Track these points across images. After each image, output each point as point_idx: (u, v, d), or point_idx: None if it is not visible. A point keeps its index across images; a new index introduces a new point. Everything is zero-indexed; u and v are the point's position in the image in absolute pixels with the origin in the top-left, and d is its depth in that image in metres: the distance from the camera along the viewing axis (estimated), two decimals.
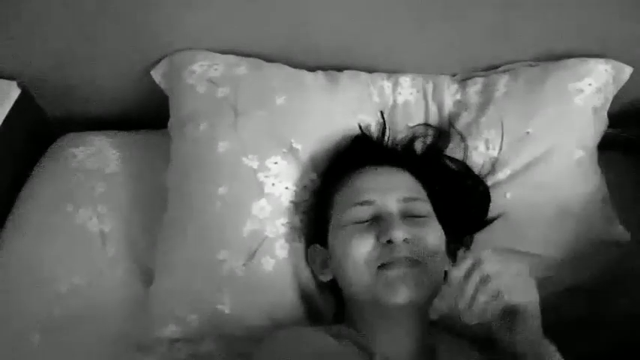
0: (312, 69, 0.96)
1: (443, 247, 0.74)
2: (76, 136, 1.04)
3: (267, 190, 0.81)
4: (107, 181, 0.97)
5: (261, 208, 0.80)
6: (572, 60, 0.90)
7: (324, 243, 0.77)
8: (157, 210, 0.88)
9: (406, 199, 0.74)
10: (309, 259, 0.80)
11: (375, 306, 0.70)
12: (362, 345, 0.67)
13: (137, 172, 0.98)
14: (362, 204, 0.73)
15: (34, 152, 1.06)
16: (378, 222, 0.72)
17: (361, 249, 0.70)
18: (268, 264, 0.79)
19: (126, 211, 0.94)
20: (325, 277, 0.77)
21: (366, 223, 0.72)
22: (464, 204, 0.82)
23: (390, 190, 0.74)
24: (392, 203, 0.73)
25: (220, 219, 0.80)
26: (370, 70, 0.97)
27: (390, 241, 0.69)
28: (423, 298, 0.68)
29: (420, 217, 0.74)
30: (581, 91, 0.87)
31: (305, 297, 0.81)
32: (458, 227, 0.80)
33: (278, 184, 0.81)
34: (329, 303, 0.82)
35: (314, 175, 0.83)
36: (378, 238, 0.70)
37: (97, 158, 0.99)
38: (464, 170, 0.85)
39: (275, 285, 0.79)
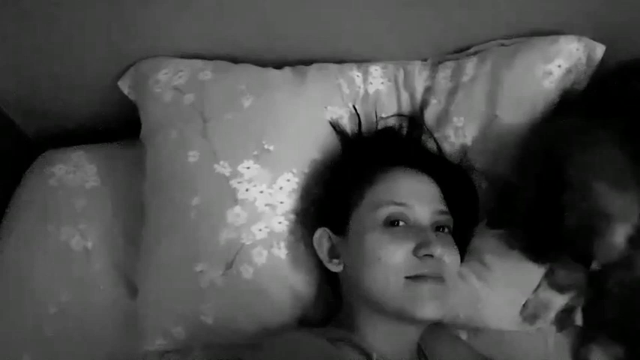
0: (281, 65, 0.94)
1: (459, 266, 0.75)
2: (53, 154, 1.03)
3: (240, 196, 0.80)
4: (87, 197, 0.96)
5: (235, 215, 0.79)
6: (542, 39, 0.87)
7: (337, 230, 0.75)
8: (139, 222, 0.88)
9: (439, 212, 0.74)
10: (315, 243, 0.76)
11: (385, 311, 0.69)
12: (359, 346, 0.67)
13: (116, 184, 0.97)
14: (400, 204, 0.72)
15: (16, 173, 1.05)
16: (414, 231, 0.70)
17: (397, 257, 0.69)
18: (247, 272, 0.78)
19: (108, 225, 0.94)
20: (335, 268, 0.74)
21: (401, 228, 0.71)
22: (471, 217, 0.81)
23: (427, 200, 0.74)
24: (427, 214, 0.73)
25: (196, 230, 0.80)
26: (342, 61, 0.95)
27: (428, 255, 0.69)
28: (443, 316, 0.70)
29: (446, 232, 0.74)
30: (550, 73, 0.84)
31: (291, 301, 0.80)
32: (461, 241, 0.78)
33: (252, 188, 0.80)
34: (318, 305, 0.82)
35: (289, 175, 0.82)
36: (416, 248, 0.69)
37: (75, 174, 0.98)
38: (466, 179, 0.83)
39: (256, 292, 0.78)
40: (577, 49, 0.85)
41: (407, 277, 0.68)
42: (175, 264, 0.80)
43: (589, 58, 0.86)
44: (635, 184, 0.65)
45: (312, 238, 0.78)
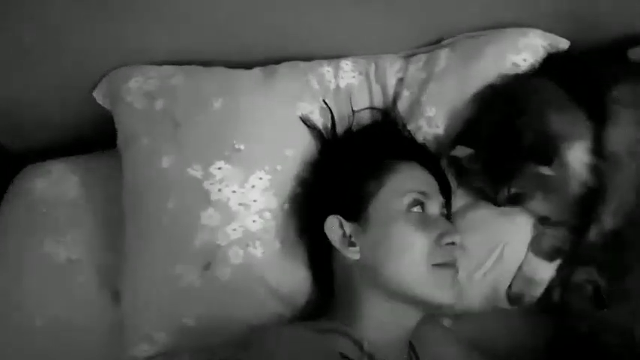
0: (253, 66, 0.94)
1: None
2: (35, 168, 1.04)
3: (213, 197, 0.80)
4: (69, 208, 0.97)
5: (209, 217, 0.80)
6: (511, 31, 0.89)
7: (351, 217, 0.74)
8: (121, 230, 0.88)
9: (442, 204, 0.77)
10: (327, 230, 0.74)
11: (402, 298, 0.71)
12: (351, 336, 0.67)
13: (98, 194, 0.98)
14: (422, 193, 0.74)
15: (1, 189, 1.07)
16: (432, 220, 0.73)
17: (425, 245, 0.71)
18: (224, 272, 0.79)
19: (91, 235, 0.95)
20: (353, 255, 0.73)
21: (421, 216, 0.73)
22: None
23: (436, 192, 0.77)
24: (437, 205, 0.76)
25: (172, 234, 0.80)
26: (313, 59, 0.95)
27: (451, 243, 0.72)
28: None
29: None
30: (517, 65, 0.85)
31: (270, 299, 0.81)
32: None
33: (224, 189, 0.81)
34: (301, 301, 0.82)
35: (261, 173, 0.82)
36: (439, 237, 0.71)
37: (57, 187, 0.99)
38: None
39: (234, 292, 0.79)
40: (542, 46, 0.87)
41: (433, 265, 0.71)
42: (154, 268, 0.81)
43: (552, 52, 0.88)
44: (574, 109, 0.76)
45: (296, 232, 0.79)
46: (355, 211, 0.74)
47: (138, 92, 0.89)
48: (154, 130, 0.86)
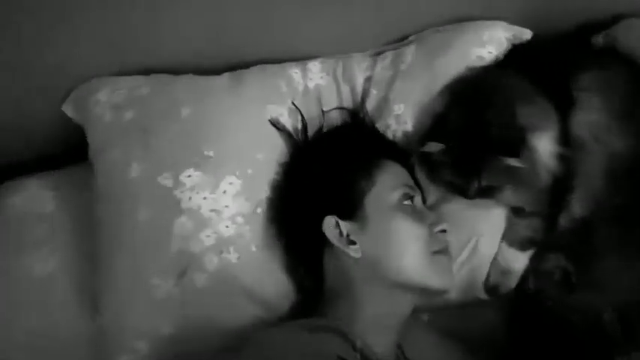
0: (221, 72, 0.94)
1: None
2: (10, 185, 1.03)
3: (184, 205, 0.80)
4: (46, 223, 0.96)
5: (182, 225, 0.80)
6: (475, 24, 0.90)
7: (347, 216, 0.75)
8: (97, 244, 0.88)
9: (421, 198, 0.81)
10: (328, 232, 0.75)
11: (406, 288, 0.73)
12: (344, 334, 0.68)
13: (73, 208, 0.97)
14: (409, 187, 0.78)
15: None
16: (420, 210, 0.77)
17: (423, 234, 0.74)
18: (200, 280, 0.79)
19: (68, 249, 0.94)
20: (355, 253, 0.74)
21: (412, 207, 0.76)
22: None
23: (415, 187, 0.80)
24: (420, 197, 0.80)
25: (146, 244, 0.80)
26: (282, 61, 0.95)
27: (442, 231, 0.76)
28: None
29: None
30: (483, 58, 0.86)
31: (248, 304, 0.81)
32: None
33: (195, 196, 0.81)
34: (281, 303, 0.82)
35: (232, 178, 0.82)
36: (431, 225, 0.75)
37: (33, 203, 0.98)
38: None
39: (211, 299, 0.79)
40: (506, 38, 0.88)
41: (432, 253, 0.74)
42: (130, 279, 0.81)
43: (516, 43, 0.89)
44: (540, 101, 0.77)
45: (277, 235, 0.79)
46: (350, 210, 0.75)
47: (107, 104, 0.89)
48: (123, 140, 0.85)
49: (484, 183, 0.75)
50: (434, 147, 0.77)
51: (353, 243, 0.74)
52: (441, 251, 0.75)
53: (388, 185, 0.76)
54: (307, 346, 0.64)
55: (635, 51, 0.87)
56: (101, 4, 0.87)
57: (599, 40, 0.93)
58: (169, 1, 0.88)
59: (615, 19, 0.94)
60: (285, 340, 0.65)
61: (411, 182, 0.80)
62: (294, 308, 0.83)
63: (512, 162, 0.73)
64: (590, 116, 0.77)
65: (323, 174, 0.78)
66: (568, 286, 0.79)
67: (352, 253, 0.74)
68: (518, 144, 0.74)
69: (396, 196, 0.75)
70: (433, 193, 0.84)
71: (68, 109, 0.95)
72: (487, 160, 0.74)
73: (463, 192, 0.77)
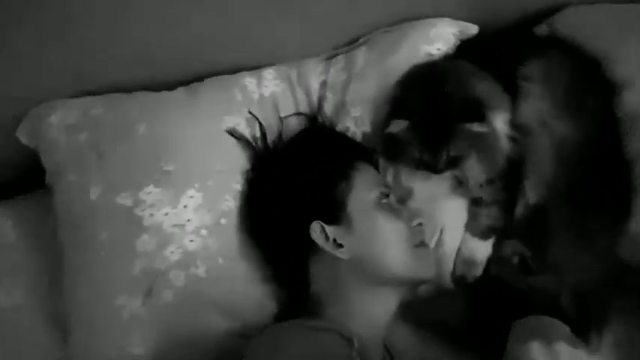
0: (175, 86, 0.94)
1: None
2: None
3: (146, 223, 0.80)
4: (7, 254, 0.95)
5: (144, 243, 0.79)
6: (422, 22, 0.92)
7: (331, 220, 0.76)
8: (61, 269, 0.86)
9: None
10: (317, 238, 0.75)
11: (394, 282, 0.75)
12: (341, 333, 0.68)
13: (34, 236, 0.96)
14: (384, 185, 0.80)
15: None
16: (398, 207, 0.79)
17: (405, 229, 0.76)
18: (167, 297, 0.78)
19: (32, 277, 0.92)
20: (344, 255, 0.75)
21: (390, 205, 0.78)
22: None
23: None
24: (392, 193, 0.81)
25: (109, 265, 0.80)
26: (238, 71, 0.96)
27: (419, 224, 0.78)
28: None
29: None
30: (432, 55, 0.88)
31: (219, 317, 0.80)
32: None
33: (156, 213, 0.80)
34: (254, 312, 0.82)
35: (192, 192, 0.82)
36: (409, 220, 0.78)
37: None
38: None
39: (180, 315, 0.79)
40: (453, 33, 0.91)
41: (414, 246, 0.76)
42: (95, 302, 0.80)
43: (463, 38, 0.92)
44: (494, 83, 0.80)
45: (249, 246, 0.80)
46: (333, 214, 0.76)
47: (60, 127, 0.87)
48: (79, 163, 0.84)
49: (452, 153, 0.77)
50: (399, 125, 0.78)
51: (340, 246, 0.75)
52: (421, 244, 0.78)
53: (366, 185, 0.78)
54: (312, 338, 0.65)
55: (576, 37, 0.90)
56: (45, 29, 0.86)
57: (542, 29, 0.96)
58: (117, 18, 0.87)
59: (556, 8, 0.97)
60: (292, 336, 0.65)
61: (382, 180, 0.82)
62: (276, 318, 0.82)
63: (477, 127, 0.76)
64: (536, 104, 0.80)
65: (301, 181, 0.79)
66: (526, 270, 0.82)
67: (341, 256, 0.75)
68: (480, 109, 0.76)
69: (374, 195, 0.77)
70: (397, 189, 0.85)
71: (22, 136, 0.93)
72: (453, 128, 0.76)
73: (432, 167, 0.78)
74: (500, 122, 0.78)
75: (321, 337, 0.65)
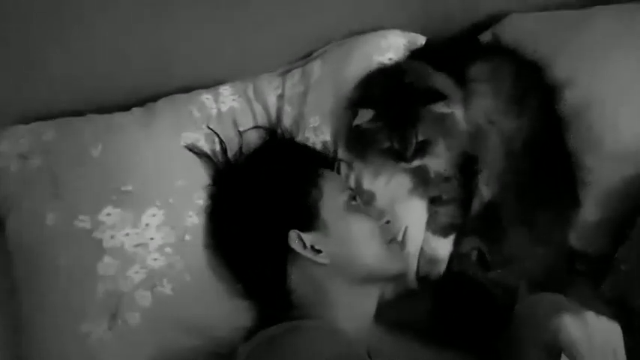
0: (130, 107, 0.92)
1: None
2: None
3: (106, 245, 0.78)
4: None
5: (106, 265, 0.77)
6: (374, 34, 0.95)
7: (306, 227, 0.77)
8: (19, 306, 0.82)
9: None
10: (296, 246, 0.76)
11: (373, 280, 0.78)
12: (330, 327, 0.70)
13: None
14: (350, 188, 0.83)
15: None
16: (366, 207, 0.82)
17: (376, 229, 0.79)
18: (134, 318, 0.76)
19: None
20: (324, 260, 0.76)
21: (359, 205, 0.81)
22: None
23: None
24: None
25: (70, 292, 0.77)
26: (193, 89, 0.95)
27: (387, 222, 0.81)
28: None
29: None
30: (383, 64, 0.91)
31: (188, 336, 0.79)
32: None
33: (117, 234, 0.79)
34: (223, 327, 0.81)
35: (154, 210, 0.81)
36: (378, 218, 0.81)
37: None
38: None
39: (146, 336, 0.77)
40: (403, 44, 0.94)
41: (387, 243, 0.79)
42: (57, 333, 0.77)
43: (412, 49, 0.95)
44: (447, 78, 0.83)
45: (219, 262, 0.80)
46: (308, 221, 0.77)
47: (10, 155, 0.85)
48: (32, 190, 0.82)
49: (420, 137, 0.79)
50: (365, 115, 0.79)
51: (319, 252, 0.76)
52: (392, 240, 0.81)
53: (335, 190, 0.80)
54: (310, 341, 0.65)
55: (518, 43, 0.95)
56: None
57: (486, 36, 1.01)
58: (65, 37, 0.86)
59: (497, 17, 1.02)
60: (287, 337, 0.65)
61: (347, 185, 0.84)
62: (249, 332, 0.80)
63: (442, 107, 0.78)
64: (483, 102, 0.84)
65: (272, 192, 0.79)
66: (484, 265, 0.85)
67: (321, 260, 0.76)
68: (441, 92, 0.79)
69: (344, 198, 0.79)
70: (359, 194, 0.86)
71: None
72: (418, 111, 0.78)
73: (402, 155, 0.80)
74: (459, 112, 0.81)
75: (314, 332, 0.66)
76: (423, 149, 0.80)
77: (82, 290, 0.77)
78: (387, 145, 0.80)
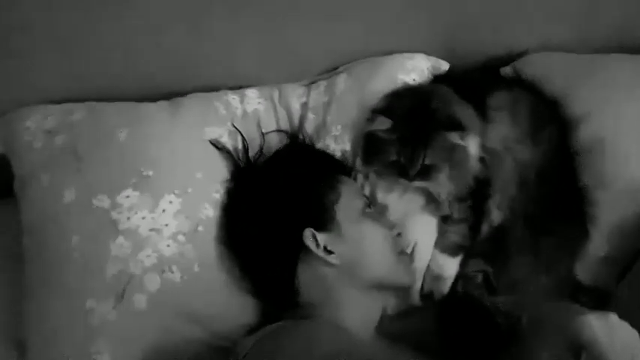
0: (156, 100, 0.95)
1: None
2: None
3: (122, 226, 0.79)
4: None
5: (119, 246, 0.78)
6: (401, 55, 0.99)
7: (322, 227, 0.78)
8: (18, 281, 0.83)
9: None
10: (310, 244, 0.77)
11: (381, 287, 0.78)
12: (335, 325, 0.71)
13: None
14: (365, 196, 0.84)
15: None
16: (380, 217, 0.84)
17: (387, 235, 0.80)
18: (140, 301, 0.77)
19: None
20: (335, 261, 0.77)
21: (374, 213, 0.82)
22: None
23: None
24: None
25: (80, 269, 0.77)
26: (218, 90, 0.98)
27: (399, 234, 0.83)
28: None
29: None
30: (408, 84, 0.94)
31: (192, 326, 0.79)
32: None
33: (133, 216, 0.80)
34: (227, 323, 0.81)
35: (172, 197, 0.82)
36: (390, 229, 0.82)
37: None
38: None
39: (151, 321, 0.77)
40: (427, 68, 0.98)
41: (398, 253, 0.80)
42: (62, 308, 0.77)
43: (435, 73, 0.98)
44: (469, 107, 0.85)
45: (229, 256, 0.81)
46: (324, 222, 0.78)
47: (37, 131, 0.86)
48: (54, 165, 0.83)
49: (427, 161, 0.80)
50: (382, 123, 0.81)
51: (331, 252, 0.77)
52: (401, 252, 0.82)
53: (352, 195, 0.82)
54: (315, 336, 0.65)
55: (537, 79, 0.98)
56: (25, 38, 0.87)
57: (507, 70, 1.04)
58: (100, 31, 0.89)
59: (520, 54, 1.06)
60: (292, 333, 0.66)
61: (362, 194, 0.86)
62: (251, 331, 0.79)
63: (455, 137, 0.80)
64: (501, 129, 0.86)
65: (290, 191, 0.80)
66: (489, 289, 0.86)
67: (333, 261, 0.77)
68: (460, 124, 0.81)
69: (360, 204, 0.81)
70: (373, 205, 0.87)
71: None
72: (433, 135, 0.80)
73: (405, 171, 0.81)
74: (473, 145, 0.83)
75: (317, 328, 0.67)
76: (427, 172, 0.81)
77: (92, 268, 0.77)
78: (394, 158, 0.82)
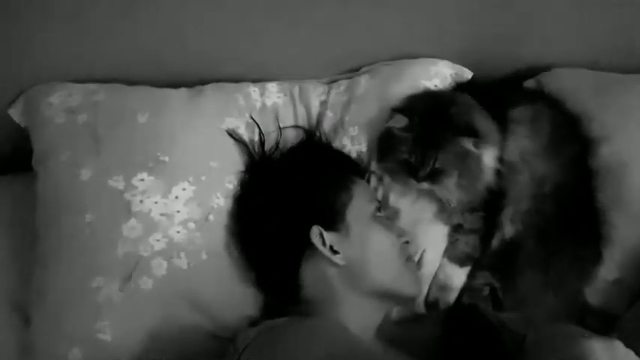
0: (177, 87, 0.95)
1: None
2: None
3: (134, 208, 0.80)
4: None
5: (131, 228, 0.79)
6: (424, 60, 0.98)
7: (330, 227, 0.77)
8: (29, 253, 0.84)
9: None
10: (316, 242, 0.77)
11: (384, 294, 0.77)
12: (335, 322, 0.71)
13: (6, 218, 0.93)
14: (378, 200, 0.84)
15: None
16: (390, 222, 0.83)
17: (395, 241, 0.80)
18: (146, 284, 0.77)
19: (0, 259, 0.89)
20: (340, 261, 0.77)
21: (384, 219, 0.82)
22: None
23: None
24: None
25: (90, 246, 0.78)
26: (239, 82, 0.98)
27: (407, 242, 0.82)
28: None
29: None
30: (430, 89, 0.93)
31: (194, 314, 0.80)
32: None
33: (146, 200, 0.80)
34: (231, 314, 0.81)
35: (185, 184, 0.82)
36: (398, 236, 0.81)
37: None
38: None
39: (155, 305, 0.77)
40: (450, 74, 0.97)
41: (405, 261, 0.79)
42: (69, 283, 0.78)
43: (458, 82, 0.97)
44: (489, 120, 0.84)
45: (237, 247, 0.81)
46: (333, 221, 0.78)
47: (59, 107, 0.87)
48: (73, 143, 0.84)
49: (438, 164, 0.80)
50: (399, 121, 0.81)
51: (336, 252, 0.77)
52: (408, 259, 0.81)
53: (364, 198, 0.81)
54: (314, 331, 0.66)
55: (560, 95, 0.97)
56: (58, 13, 0.87)
57: (530, 83, 1.03)
58: (128, 15, 0.89)
59: (544, 69, 1.05)
60: (291, 328, 0.66)
61: (375, 197, 0.85)
62: (253, 324, 0.80)
63: (468, 144, 0.79)
64: (521, 142, 0.85)
65: (303, 188, 0.80)
66: (496, 303, 0.85)
67: (337, 261, 0.77)
68: (477, 130, 0.80)
69: (372, 207, 0.81)
70: (384, 209, 0.87)
71: (15, 113, 0.93)
72: (446, 138, 0.79)
73: (415, 172, 0.81)
74: (489, 156, 0.82)
75: (318, 325, 0.67)
76: (436, 176, 0.81)
77: (102, 247, 0.78)
78: (406, 157, 0.81)
